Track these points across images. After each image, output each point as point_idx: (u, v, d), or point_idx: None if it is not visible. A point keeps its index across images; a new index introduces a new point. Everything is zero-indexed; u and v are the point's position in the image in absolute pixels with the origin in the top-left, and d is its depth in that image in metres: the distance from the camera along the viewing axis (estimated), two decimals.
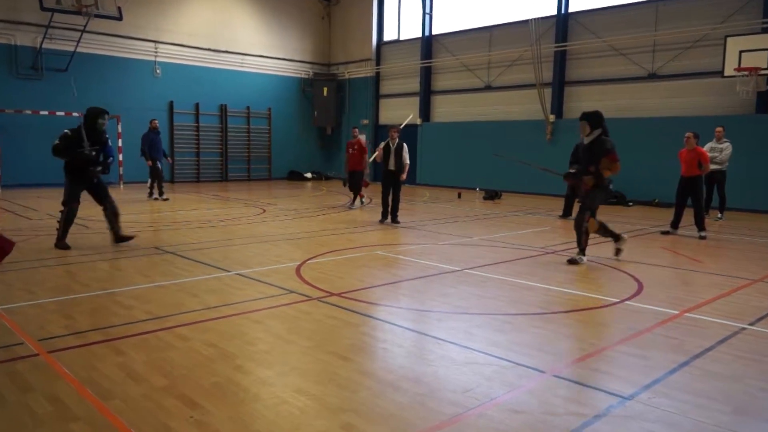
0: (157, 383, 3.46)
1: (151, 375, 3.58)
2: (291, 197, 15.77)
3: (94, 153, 7.62)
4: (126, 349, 3.99)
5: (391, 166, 11.09)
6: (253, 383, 3.50)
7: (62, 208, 7.75)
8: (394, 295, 5.67)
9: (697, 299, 5.65)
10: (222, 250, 7.85)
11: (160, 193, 14.21)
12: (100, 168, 7.74)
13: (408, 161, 11.20)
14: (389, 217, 11.18)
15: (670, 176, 12.30)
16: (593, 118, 7.04)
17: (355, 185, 13.02)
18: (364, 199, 13.26)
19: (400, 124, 11.75)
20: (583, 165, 7.14)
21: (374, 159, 11.42)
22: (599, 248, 8.46)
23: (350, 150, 12.92)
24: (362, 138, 13.31)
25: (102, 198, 7.89)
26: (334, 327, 4.58)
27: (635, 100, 15.91)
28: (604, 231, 7.34)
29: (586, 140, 7.09)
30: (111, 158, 7.90)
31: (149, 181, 14.38)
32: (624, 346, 4.26)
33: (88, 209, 12.22)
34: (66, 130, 7.66)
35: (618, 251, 7.47)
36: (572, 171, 7.61)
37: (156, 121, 14.50)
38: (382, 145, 11.29)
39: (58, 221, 7.80)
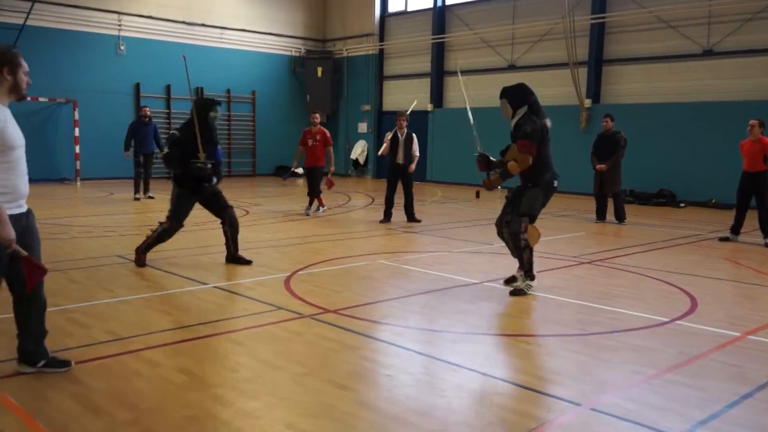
0: (119, 416, 3.46)
1: (112, 407, 3.57)
2: (279, 197, 15.78)
3: (210, 166, 7.11)
4: (83, 377, 3.99)
5: (400, 159, 11.12)
6: (235, 416, 3.49)
7: (163, 220, 7.33)
8: (401, 312, 5.66)
9: (762, 319, 5.62)
10: (197, 258, 7.85)
11: (146, 191, 14.48)
12: (216, 181, 7.26)
13: (418, 153, 11.27)
14: (393, 216, 11.18)
15: (729, 172, 12.25)
16: (513, 95, 6.35)
17: (314, 186, 12.23)
18: (322, 207, 12.55)
19: (407, 110, 11.68)
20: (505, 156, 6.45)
21: (381, 153, 11.35)
22: (645, 257, 8.43)
23: (310, 141, 12.16)
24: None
25: (219, 209, 7.45)
26: (330, 350, 4.57)
27: (687, 82, 15.89)
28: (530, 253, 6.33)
29: (512, 123, 6.40)
30: (220, 162, 7.52)
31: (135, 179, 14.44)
32: (675, 374, 4.23)
33: (39, 209, 12.23)
34: (174, 131, 7.19)
35: (516, 290, 6.32)
36: (486, 154, 6.60)
37: (147, 109, 14.57)
38: (389, 135, 11.29)
39: (151, 230, 7.45)
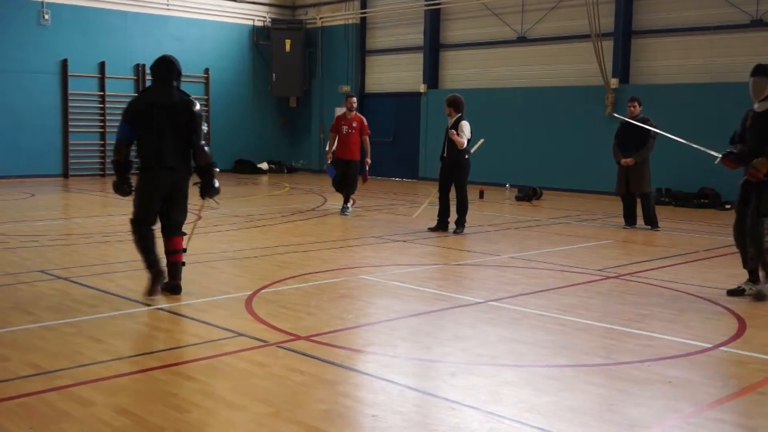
0: None
1: None
2: (239, 198, 15.73)
3: None
4: None
5: (445, 151, 11.10)
6: None
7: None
8: (388, 338, 5.67)
9: None
10: (138, 274, 7.80)
11: None
12: None
13: (464, 141, 10.78)
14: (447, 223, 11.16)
15: None
16: None
17: (349, 183, 12.80)
18: (350, 205, 13.08)
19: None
20: (756, 144, 6.98)
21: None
22: (683, 270, 8.48)
23: (345, 128, 12.78)
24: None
25: None
26: (302, 385, 4.57)
27: (736, 57, 15.93)
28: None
29: (758, 107, 6.96)
30: None
31: None
32: (718, 411, 4.27)
33: None
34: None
35: (759, 293, 7.08)
36: (734, 151, 7.26)
37: None
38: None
39: None
